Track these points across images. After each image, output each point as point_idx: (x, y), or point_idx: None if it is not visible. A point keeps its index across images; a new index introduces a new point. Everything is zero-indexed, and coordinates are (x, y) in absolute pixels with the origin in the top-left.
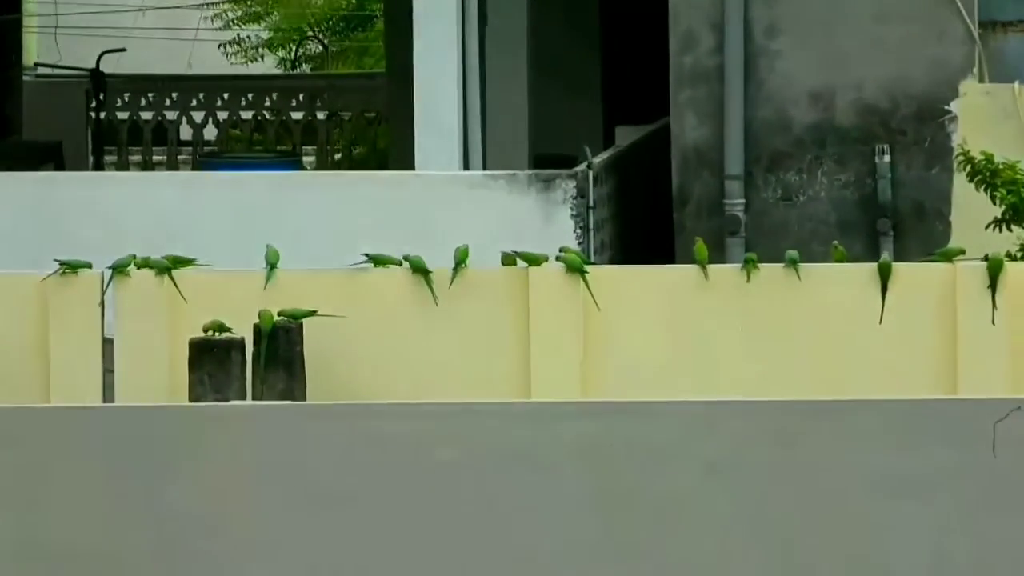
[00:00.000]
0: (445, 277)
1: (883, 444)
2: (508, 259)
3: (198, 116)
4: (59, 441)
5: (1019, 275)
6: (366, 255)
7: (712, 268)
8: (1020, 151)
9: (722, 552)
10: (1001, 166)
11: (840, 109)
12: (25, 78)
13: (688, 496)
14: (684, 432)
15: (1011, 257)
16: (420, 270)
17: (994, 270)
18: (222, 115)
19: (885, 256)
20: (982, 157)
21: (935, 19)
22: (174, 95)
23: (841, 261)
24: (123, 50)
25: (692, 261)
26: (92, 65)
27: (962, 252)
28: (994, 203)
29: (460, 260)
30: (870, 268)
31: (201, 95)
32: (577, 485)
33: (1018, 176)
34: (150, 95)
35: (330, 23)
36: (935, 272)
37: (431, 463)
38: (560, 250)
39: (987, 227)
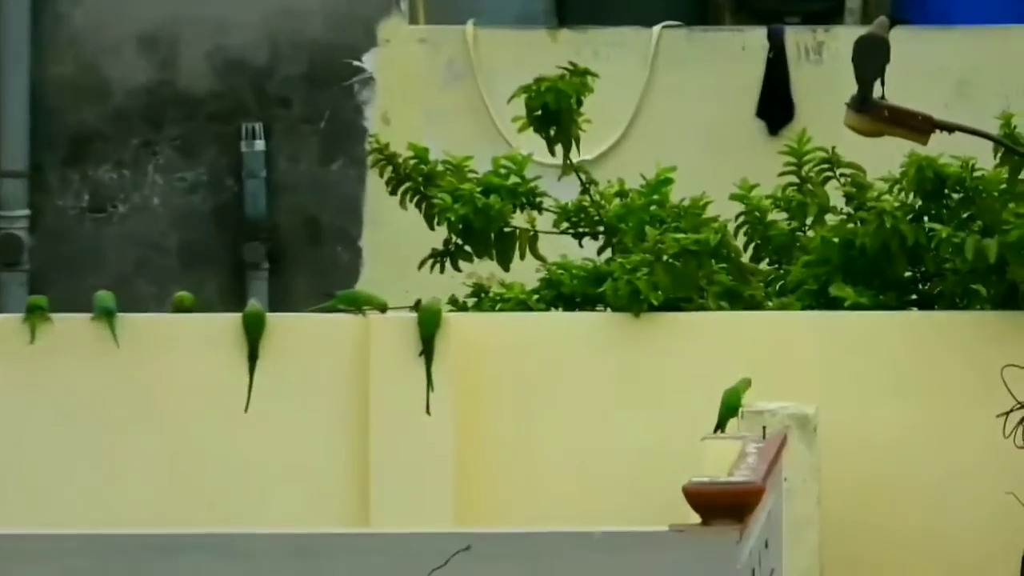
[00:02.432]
0: None
1: None
2: None
3: None
4: None
5: (470, 333)
6: None
7: None
8: (476, 133)
9: None
10: (441, 165)
11: (186, 64)
12: None
13: None
14: None
15: (457, 305)
16: None
17: (429, 326)
18: None
19: (254, 303)
20: (410, 152)
21: None
22: None
23: (187, 310)
24: None
25: None
26: None
27: (382, 307)
28: (431, 226)
29: None
30: (233, 322)
31: None
32: None
33: (468, 183)
34: None
35: None
36: (337, 328)
37: None
38: None
39: (422, 264)
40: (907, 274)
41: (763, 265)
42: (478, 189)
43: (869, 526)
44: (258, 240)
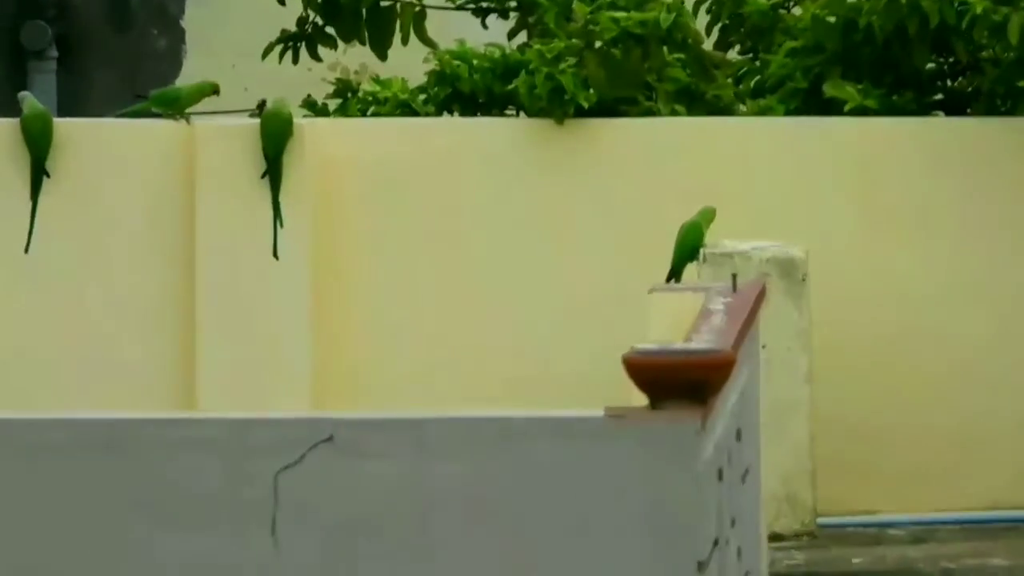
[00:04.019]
0: None
1: None
2: None
3: None
4: None
5: (332, 146)
6: None
7: None
8: None
9: None
10: None
11: None
12: None
13: None
14: None
15: (314, 108)
16: None
17: (277, 138)
18: None
19: (33, 102)
20: None
21: None
22: None
23: None
24: None
25: None
26: None
27: (214, 91)
28: None
29: None
30: (9, 129)
31: None
32: None
33: None
34: None
35: None
36: (152, 139)
37: None
38: None
39: (267, 52)
40: (929, 66)
41: (732, 54)
42: None
43: (877, 412)
44: (44, 19)
